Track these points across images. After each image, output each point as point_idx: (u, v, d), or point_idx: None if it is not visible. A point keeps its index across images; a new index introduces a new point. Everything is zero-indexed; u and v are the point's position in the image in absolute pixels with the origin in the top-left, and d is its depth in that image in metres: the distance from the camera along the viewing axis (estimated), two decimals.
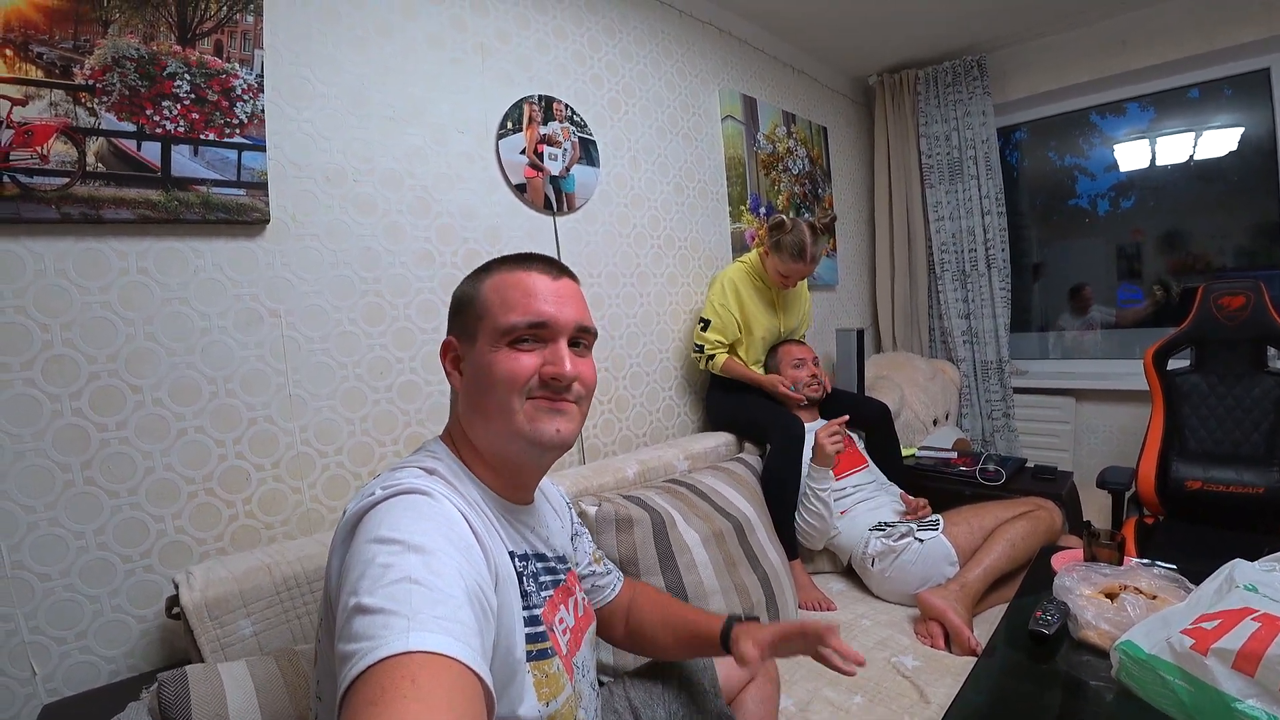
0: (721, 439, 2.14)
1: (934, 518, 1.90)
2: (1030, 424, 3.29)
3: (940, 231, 3.35)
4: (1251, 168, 2.90)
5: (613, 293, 2.15)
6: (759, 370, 2.27)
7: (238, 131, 1.35)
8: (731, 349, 2.26)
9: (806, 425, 2.09)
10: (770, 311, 2.27)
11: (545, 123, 2.00)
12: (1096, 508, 2.43)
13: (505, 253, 0.88)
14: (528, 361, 0.78)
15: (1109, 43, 3.01)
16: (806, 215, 2.98)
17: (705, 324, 2.20)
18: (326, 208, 1.50)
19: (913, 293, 3.52)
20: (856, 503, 2.01)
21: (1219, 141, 2.98)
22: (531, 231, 1.94)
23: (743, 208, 2.68)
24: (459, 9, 1.77)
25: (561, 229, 2.02)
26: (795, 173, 3.01)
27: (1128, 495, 2.22)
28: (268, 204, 1.39)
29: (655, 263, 2.30)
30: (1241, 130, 2.95)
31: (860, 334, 2.69)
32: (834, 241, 3.27)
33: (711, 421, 2.35)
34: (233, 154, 1.34)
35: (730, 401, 2.27)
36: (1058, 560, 1.49)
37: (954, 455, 2.49)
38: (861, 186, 3.63)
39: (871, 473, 2.17)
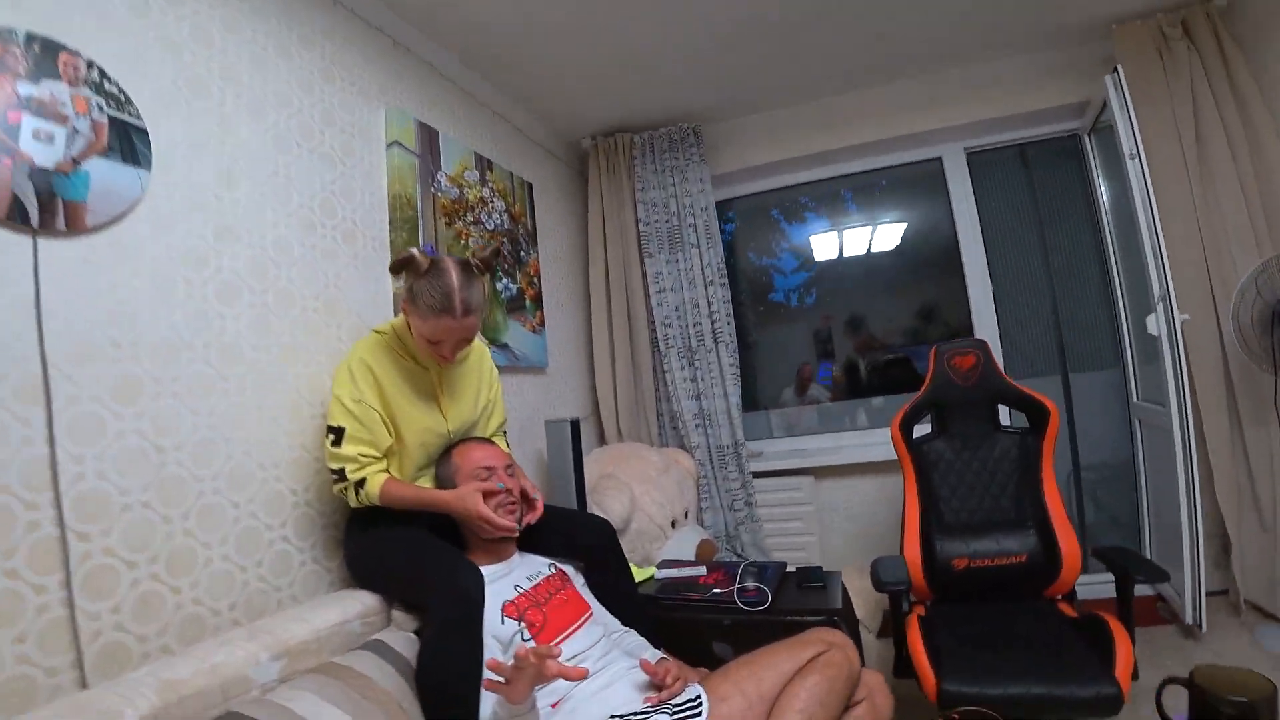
0: (353, 608, 1.31)
1: (692, 693, 1.27)
2: (772, 509, 2.97)
3: (663, 304, 2.99)
4: (914, 257, 3.27)
5: (168, 374, 1.27)
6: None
7: None
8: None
9: (488, 570, 1.39)
10: (426, 402, 1.54)
11: (36, 79, 1.15)
12: (855, 589, 2.19)
13: None
14: None
15: (812, 123, 3.14)
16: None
17: (337, 435, 1.41)
18: None
19: (636, 374, 3.08)
20: (575, 685, 1.29)
21: (890, 234, 3.33)
22: None
23: (404, 302, 1.96)
24: None
25: (54, 261, 1.14)
26: (491, 228, 2.41)
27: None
28: None
29: (257, 329, 1.47)
30: (905, 224, 3.30)
31: (576, 424, 2.11)
32: (541, 314, 2.69)
33: (353, 575, 1.51)
34: None
35: (366, 544, 1.47)
36: None
37: (702, 571, 1.94)
38: (574, 256, 3.17)
39: (598, 626, 1.49)
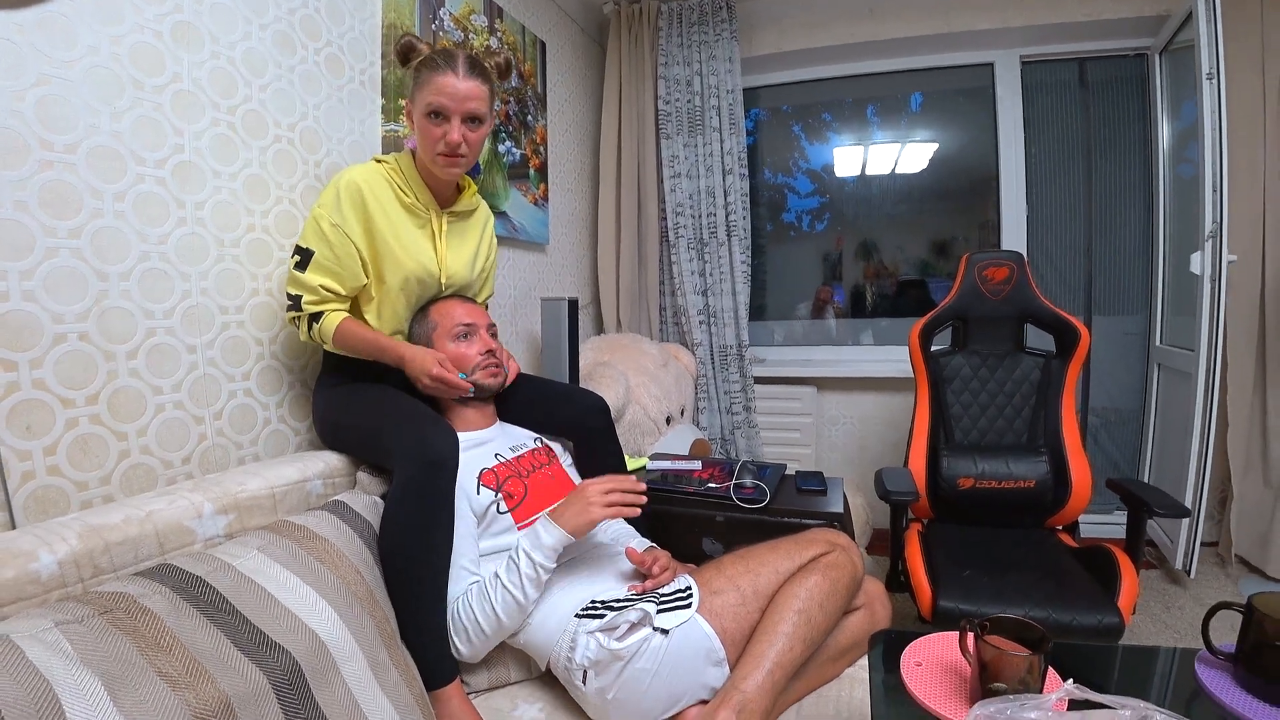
0: (314, 466, 1.18)
1: (682, 584, 1.17)
2: (771, 417, 2.88)
3: (676, 190, 2.78)
4: (935, 187, 3.06)
5: (111, 190, 1.09)
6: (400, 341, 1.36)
7: None
8: (354, 306, 1.34)
9: (465, 436, 1.26)
10: (422, 242, 1.36)
11: None
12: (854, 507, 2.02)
13: None
14: None
15: (858, 9, 2.83)
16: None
17: (304, 258, 1.25)
18: None
19: (642, 263, 2.90)
20: (521, 535, 1.19)
21: (915, 157, 3.08)
22: None
23: (405, 104, 1.75)
24: None
25: None
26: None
27: None
28: None
29: (219, 151, 1.28)
30: (936, 145, 3.04)
31: (573, 304, 1.96)
32: (545, 188, 2.48)
33: (320, 433, 1.38)
34: None
35: (335, 399, 1.33)
36: (914, 669, 0.84)
37: (697, 466, 1.84)
38: (584, 131, 2.92)
39: None
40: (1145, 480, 2.69)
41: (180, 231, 1.20)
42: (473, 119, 1.28)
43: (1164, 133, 2.65)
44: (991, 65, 2.86)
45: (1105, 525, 2.71)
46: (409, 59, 1.31)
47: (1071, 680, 0.72)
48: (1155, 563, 2.51)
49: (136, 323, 1.14)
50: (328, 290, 1.25)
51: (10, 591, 0.72)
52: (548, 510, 1.19)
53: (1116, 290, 2.84)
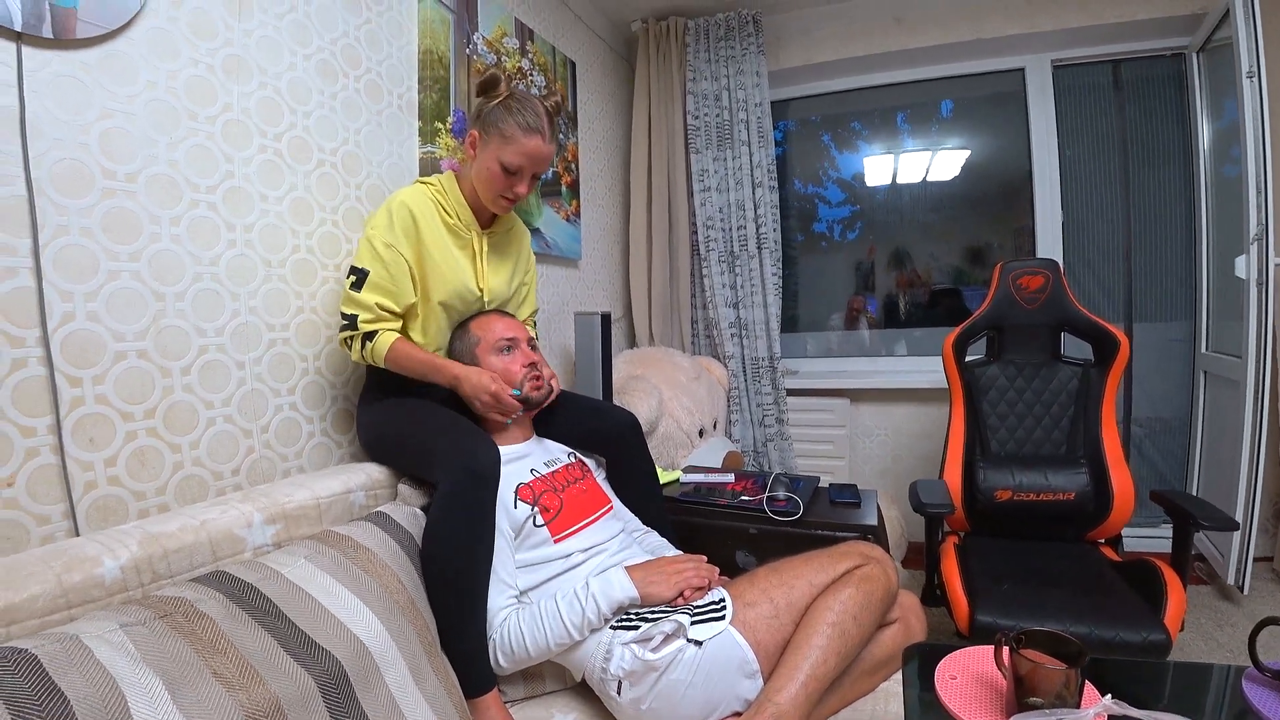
0: (357, 479, 1.22)
1: (715, 595, 1.18)
2: (802, 430, 2.87)
3: (706, 204, 2.80)
4: (967, 195, 3.02)
5: (167, 215, 1.15)
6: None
7: None
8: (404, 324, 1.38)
9: (504, 450, 1.28)
10: (464, 261, 1.41)
11: None
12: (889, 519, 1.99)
13: None
14: None
15: (885, 19, 2.83)
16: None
17: (359, 277, 1.29)
18: None
19: (673, 276, 2.92)
20: (593, 577, 1.21)
21: (945, 165, 3.06)
22: None
23: (441, 126, 1.81)
24: None
25: (40, 74, 1.01)
26: None
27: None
28: None
29: (267, 176, 1.34)
30: (968, 152, 3.01)
31: (606, 318, 1.98)
32: (577, 204, 2.53)
33: (363, 446, 1.43)
34: None
35: (379, 412, 1.37)
36: (949, 682, 0.84)
37: (730, 478, 1.85)
38: (614, 147, 2.96)
39: (616, 521, 1.39)
40: (1193, 493, 2.60)
41: (230, 253, 1.26)
42: (537, 175, 1.37)
43: (1204, 133, 2.59)
44: (1022, 70, 2.83)
45: (1151, 539, 2.63)
46: (489, 93, 1.35)
47: (1110, 695, 0.71)
48: (1206, 578, 2.42)
49: (190, 340, 1.20)
50: (383, 308, 1.30)
51: (78, 594, 0.77)
52: (625, 564, 1.21)
53: (1158, 296, 2.77)
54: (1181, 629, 1.43)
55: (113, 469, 1.08)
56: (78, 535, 1.01)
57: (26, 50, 1.01)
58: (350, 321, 1.30)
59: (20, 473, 0.97)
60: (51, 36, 1.04)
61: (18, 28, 1.00)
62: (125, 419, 1.10)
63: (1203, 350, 2.62)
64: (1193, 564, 2.41)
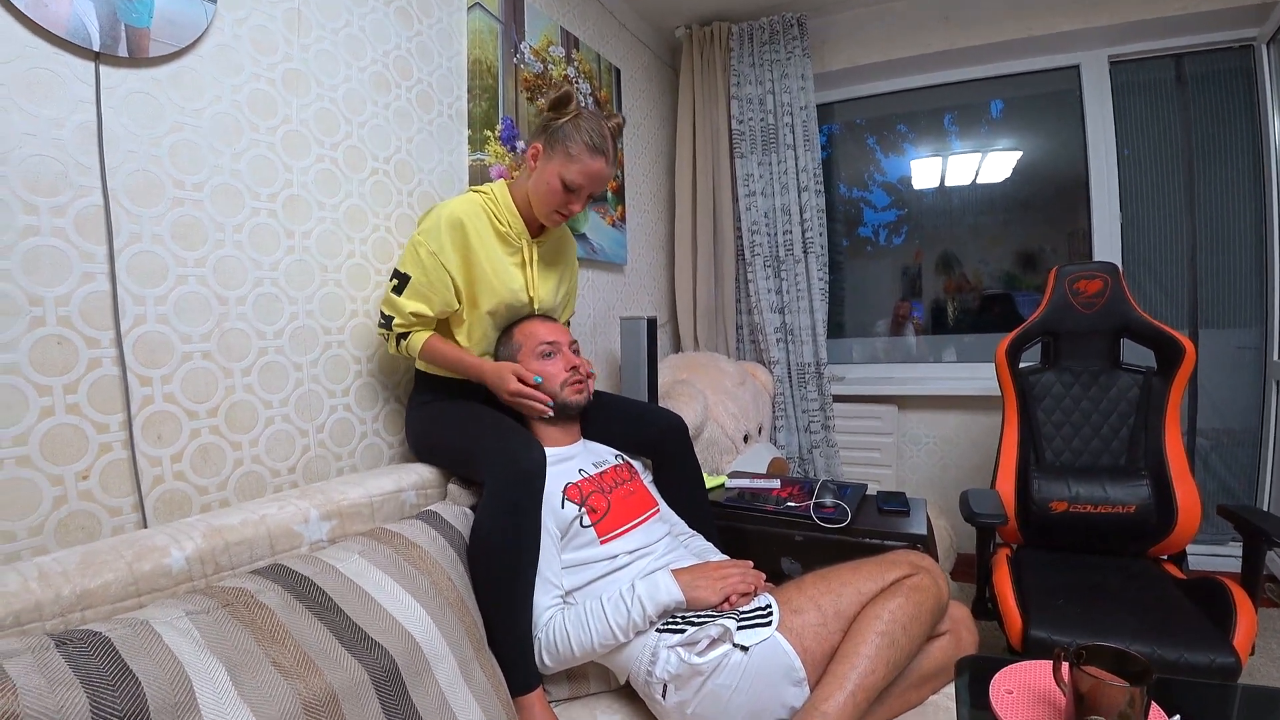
0: (408, 478, 1.25)
1: (762, 601, 1.17)
2: (849, 437, 2.82)
3: (751, 209, 2.79)
4: (1017, 198, 2.92)
5: (231, 222, 1.20)
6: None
7: None
8: (441, 327, 1.42)
9: (551, 452, 1.29)
10: (514, 270, 1.43)
11: None
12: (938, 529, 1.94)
13: None
14: None
15: (932, 19, 2.77)
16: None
17: (400, 282, 1.33)
18: None
19: (718, 282, 2.91)
20: (639, 580, 1.21)
21: (996, 167, 2.97)
22: (32, 85, 0.96)
23: (490, 134, 1.84)
24: None
25: (116, 90, 1.07)
26: None
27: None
28: None
29: (324, 184, 1.39)
30: (1020, 153, 2.92)
31: (652, 323, 1.98)
32: (623, 209, 2.54)
33: (412, 447, 1.46)
34: None
35: (428, 414, 1.40)
36: (1004, 697, 0.82)
37: (776, 484, 1.83)
38: (659, 152, 2.97)
39: (663, 524, 1.40)
40: (1264, 508, 2.47)
41: (289, 259, 1.31)
42: (593, 194, 1.40)
43: (1275, 129, 2.47)
44: (1077, 68, 2.73)
45: (1218, 557, 2.51)
46: (560, 109, 1.37)
47: (1178, 716, 0.68)
48: (1277, 600, 2.30)
49: (251, 343, 1.24)
50: (416, 316, 1.33)
51: (148, 583, 0.81)
52: (670, 567, 1.22)
53: (1226, 301, 2.64)
54: (1252, 653, 1.36)
55: (178, 464, 1.13)
56: (146, 527, 1.06)
57: (104, 69, 1.07)
58: (386, 322, 1.36)
59: (94, 467, 1.02)
60: (126, 55, 1.10)
61: (96, 48, 1.06)
62: (190, 417, 1.14)
63: (1274, 358, 2.49)
64: (1263, 584, 2.31)
